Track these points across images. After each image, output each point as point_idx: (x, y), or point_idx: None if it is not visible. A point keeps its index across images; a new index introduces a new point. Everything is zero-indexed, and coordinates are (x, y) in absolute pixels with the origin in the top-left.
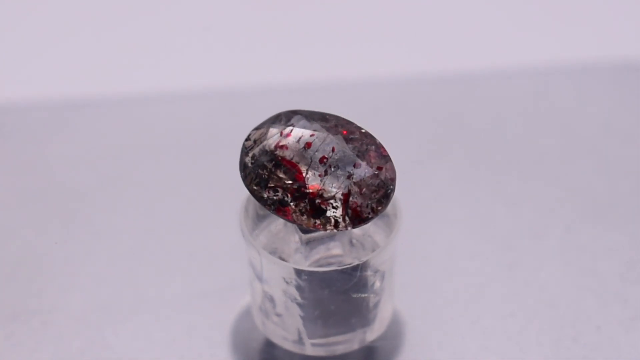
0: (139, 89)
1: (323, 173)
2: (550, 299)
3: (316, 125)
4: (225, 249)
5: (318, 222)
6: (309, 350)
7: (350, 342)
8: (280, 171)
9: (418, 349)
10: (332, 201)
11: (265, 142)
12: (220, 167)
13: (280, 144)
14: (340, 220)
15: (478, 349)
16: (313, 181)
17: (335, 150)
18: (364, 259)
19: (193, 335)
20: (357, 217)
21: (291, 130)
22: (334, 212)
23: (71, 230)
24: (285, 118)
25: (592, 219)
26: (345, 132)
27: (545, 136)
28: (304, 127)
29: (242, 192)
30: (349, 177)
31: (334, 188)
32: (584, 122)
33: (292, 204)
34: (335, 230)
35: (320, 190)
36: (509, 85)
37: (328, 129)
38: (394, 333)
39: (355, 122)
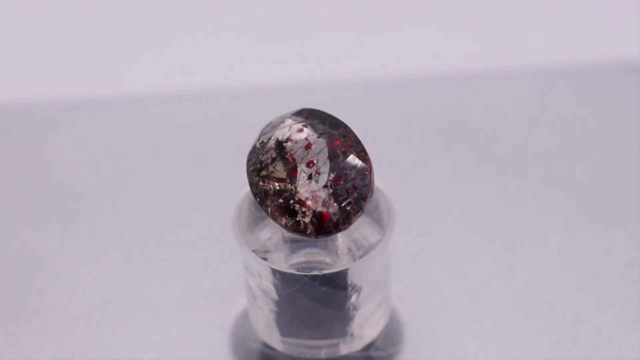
0: (138, 89)
1: (307, 176)
2: (550, 299)
3: (323, 128)
4: (225, 249)
5: (288, 222)
6: (279, 347)
7: (318, 349)
8: (280, 163)
9: (417, 349)
10: (304, 207)
11: (278, 131)
12: (221, 167)
13: (291, 137)
14: (307, 226)
15: (478, 349)
16: (300, 181)
17: (324, 158)
18: (326, 271)
19: (193, 335)
20: (322, 228)
21: (304, 127)
22: (302, 217)
23: (71, 230)
24: (305, 113)
25: (592, 219)
26: (337, 143)
27: (545, 136)
28: (314, 129)
29: (242, 193)
30: (326, 187)
31: (308, 194)
32: (584, 122)
33: (271, 197)
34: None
35: (296, 192)
36: (509, 85)
37: (330, 136)
38: (393, 333)
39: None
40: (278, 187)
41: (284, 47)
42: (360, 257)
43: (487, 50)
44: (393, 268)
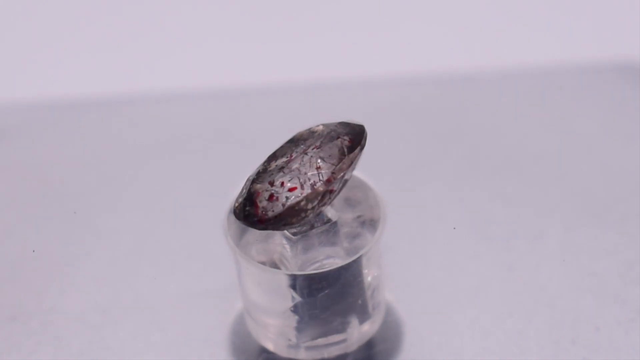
0: (139, 89)
1: (278, 167)
2: (549, 299)
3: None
4: (225, 249)
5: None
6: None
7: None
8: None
9: (416, 349)
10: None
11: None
12: (221, 167)
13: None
14: (238, 209)
15: (477, 350)
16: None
17: (296, 161)
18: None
19: (192, 336)
20: (247, 216)
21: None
22: (242, 198)
23: (71, 230)
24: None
25: (591, 220)
26: (316, 148)
27: (544, 136)
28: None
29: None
30: (272, 183)
31: (261, 183)
32: (584, 122)
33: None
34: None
35: (261, 176)
36: (509, 85)
37: (322, 144)
38: (393, 333)
39: (356, 122)
40: (262, 170)
41: (284, 47)
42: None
43: (487, 50)
44: (393, 268)
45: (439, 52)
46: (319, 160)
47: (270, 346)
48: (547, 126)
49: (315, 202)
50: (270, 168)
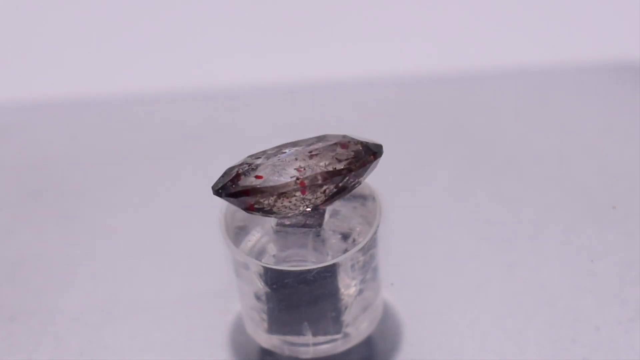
0: (139, 89)
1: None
2: (549, 299)
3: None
4: (225, 249)
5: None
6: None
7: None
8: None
9: (416, 349)
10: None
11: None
12: (221, 167)
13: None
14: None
15: (477, 349)
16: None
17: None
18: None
19: (192, 336)
20: (225, 186)
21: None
22: (227, 178)
23: (70, 230)
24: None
25: (591, 219)
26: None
27: (544, 136)
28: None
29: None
30: (252, 168)
31: (249, 161)
32: (584, 122)
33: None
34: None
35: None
36: (509, 85)
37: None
38: (392, 333)
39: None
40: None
41: (284, 47)
42: (346, 251)
43: (487, 50)
44: (392, 267)
45: (439, 52)
46: (312, 160)
47: (250, 330)
48: (547, 126)
49: (280, 197)
50: (273, 151)
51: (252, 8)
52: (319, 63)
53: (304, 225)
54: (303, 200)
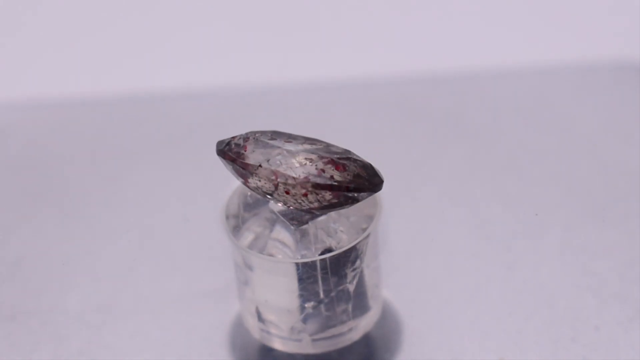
0: (139, 89)
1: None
2: (549, 298)
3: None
4: (225, 248)
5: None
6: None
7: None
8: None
9: (416, 349)
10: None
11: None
12: (221, 166)
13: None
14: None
15: (476, 349)
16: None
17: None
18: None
19: (192, 335)
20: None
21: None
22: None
23: (70, 230)
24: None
25: (591, 219)
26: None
27: (544, 136)
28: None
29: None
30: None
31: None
32: (584, 122)
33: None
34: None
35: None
36: (509, 85)
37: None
38: (392, 333)
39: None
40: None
41: (284, 47)
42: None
43: (487, 50)
44: (392, 266)
45: (438, 52)
46: (308, 163)
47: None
48: (547, 126)
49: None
50: (287, 139)
51: (253, 8)
52: (319, 63)
53: (289, 217)
54: (295, 200)
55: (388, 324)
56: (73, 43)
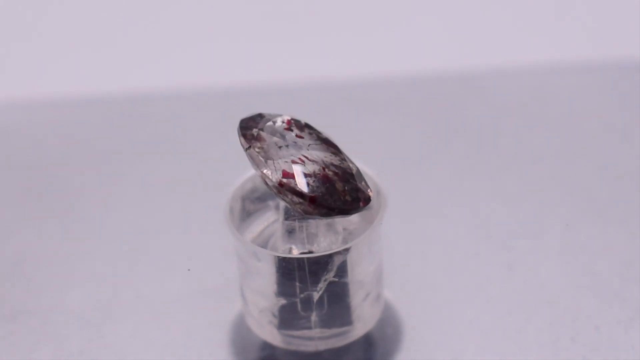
0: (138, 88)
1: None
2: (549, 298)
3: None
4: (224, 248)
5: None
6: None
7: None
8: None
9: (416, 348)
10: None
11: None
12: (221, 166)
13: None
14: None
15: (476, 349)
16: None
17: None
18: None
19: (192, 334)
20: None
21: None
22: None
23: (70, 229)
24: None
25: (591, 218)
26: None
27: (544, 136)
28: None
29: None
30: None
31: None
32: (584, 121)
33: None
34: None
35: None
36: (509, 84)
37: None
38: (392, 332)
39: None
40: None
41: (284, 47)
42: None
43: (487, 50)
44: (392, 266)
45: (439, 52)
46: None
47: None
48: (547, 125)
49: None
50: (299, 132)
51: (253, 8)
52: (319, 63)
53: (288, 212)
54: (292, 202)
55: (388, 323)
56: (73, 43)
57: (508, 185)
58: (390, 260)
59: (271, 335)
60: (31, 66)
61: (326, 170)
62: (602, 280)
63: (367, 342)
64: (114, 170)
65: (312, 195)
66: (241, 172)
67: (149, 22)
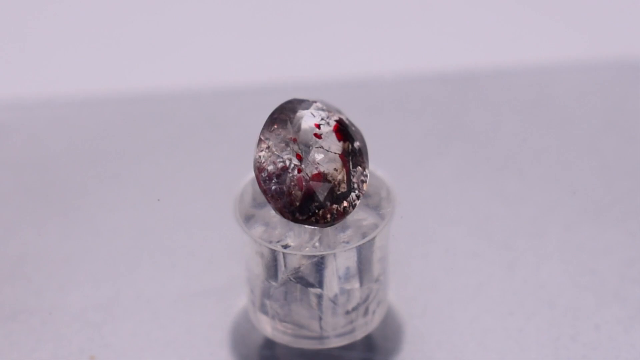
0: (138, 87)
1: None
2: (549, 297)
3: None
4: (224, 248)
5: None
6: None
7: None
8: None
9: (416, 348)
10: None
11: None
12: (220, 166)
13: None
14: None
15: (477, 348)
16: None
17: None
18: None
19: (193, 334)
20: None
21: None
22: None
23: (70, 229)
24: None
25: (591, 218)
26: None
27: (544, 135)
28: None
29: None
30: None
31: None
32: (584, 121)
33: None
34: None
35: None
36: (510, 83)
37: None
38: (393, 332)
39: (356, 121)
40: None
41: (284, 46)
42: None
43: (487, 50)
44: (392, 266)
45: (439, 52)
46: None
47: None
48: (548, 125)
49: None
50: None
51: (253, 8)
52: (319, 63)
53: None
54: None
55: (388, 323)
56: (74, 42)
57: (508, 185)
58: (390, 261)
59: (264, 325)
60: (31, 66)
61: (310, 182)
62: (601, 280)
63: (368, 341)
64: (115, 170)
65: (269, 195)
66: (241, 172)
67: (149, 22)
